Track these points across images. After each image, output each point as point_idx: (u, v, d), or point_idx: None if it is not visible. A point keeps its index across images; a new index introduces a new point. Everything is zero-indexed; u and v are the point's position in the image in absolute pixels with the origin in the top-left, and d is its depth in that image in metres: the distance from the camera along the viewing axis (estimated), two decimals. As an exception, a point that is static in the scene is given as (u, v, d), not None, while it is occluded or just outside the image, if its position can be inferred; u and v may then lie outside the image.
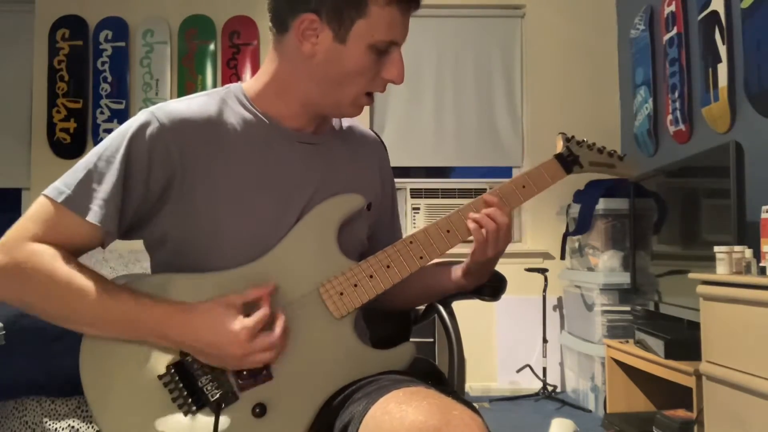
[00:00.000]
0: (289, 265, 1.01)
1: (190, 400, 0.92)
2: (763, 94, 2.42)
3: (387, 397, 0.84)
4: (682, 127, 3.06)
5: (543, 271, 3.54)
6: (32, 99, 3.88)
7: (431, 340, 3.33)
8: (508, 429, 2.92)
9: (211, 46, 3.92)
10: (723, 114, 2.68)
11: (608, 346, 2.89)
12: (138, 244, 1.09)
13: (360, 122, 1.23)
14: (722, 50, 2.66)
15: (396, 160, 1.30)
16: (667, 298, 2.70)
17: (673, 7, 3.14)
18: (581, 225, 3.30)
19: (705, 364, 1.96)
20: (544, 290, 3.53)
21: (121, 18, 3.90)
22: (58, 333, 0.96)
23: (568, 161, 1.18)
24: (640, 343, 2.66)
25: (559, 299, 3.76)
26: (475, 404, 0.90)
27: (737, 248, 1.94)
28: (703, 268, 2.18)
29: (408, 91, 3.91)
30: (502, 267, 1.17)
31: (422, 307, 1.30)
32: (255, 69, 3.89)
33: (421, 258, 1.07)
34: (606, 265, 3.22)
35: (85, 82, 3.88)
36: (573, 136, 1.21)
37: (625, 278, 3.12)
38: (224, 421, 0.92)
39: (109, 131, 4.12)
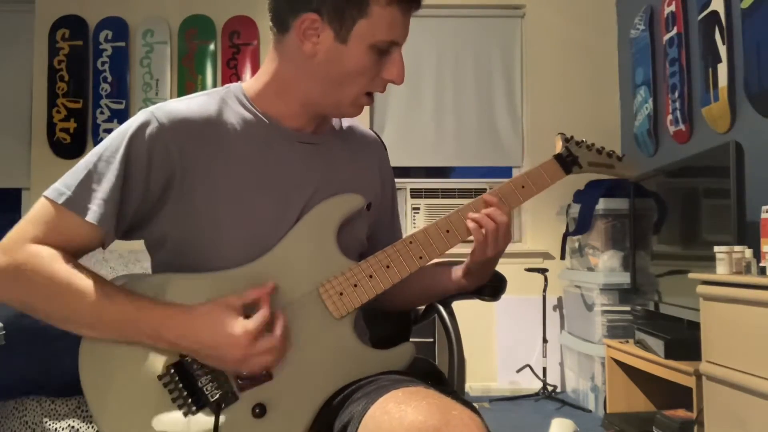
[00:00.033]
0: (289, 265, 1.01)
1: (189, 400, 0.92)
2: (763, 94, 2.42)
3: (386, 397, 0.84)
4: (682, 127, 3.06)
5: (543, 271, 3.54)
6: (32, 99, 3.88)
7: (431, 340, 3.33)
8: (508, 429, 2.92)
9: (211, 46, 3.92)
10: (723, 114, 2.68)
11: (608, 346, 2.89)
12: (138, 244, 1.09)
13: (360, 122, 1.23)
14: (722, 50, 2.66)
15: (396, 160, 1.30)
16: (667, 298, 2.70)
17: (673, 7, 3.14)
18: (581, 225, 3.30)
19: (705, 364, 1.96)
20: (544, 290, 3.53)
21: (121, 18, 3.91)
22: (58, 333, 0.95)
23: (567, 161, 1.18)
24: (640, 343, 2.66)
25: (559, 299, 3.76)
26: (475, 404, 0.90)
27: (737, 248, 1.94)
28: (703, 268, 2.18)
29: (408, 91, 3.91)
30: (502, 267, 1.18)
31: (422, 307, 1.30)
32: (255, 69, 3.89)
33: (421, 258, 1.07)
34: (606, 265, 3.22)
35: (85, 82, 3.88)
36: (572, 137, 1.21)
37: (625, 278, 3.12)
38: (224, 421, 0.91)
39: (109, 131, 4.11)
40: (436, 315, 1.25)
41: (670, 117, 3.18)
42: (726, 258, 1.93)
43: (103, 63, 3.89)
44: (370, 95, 1.05)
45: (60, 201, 0.95)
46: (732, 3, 2.63)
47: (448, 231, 1.09)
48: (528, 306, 3.65)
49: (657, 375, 2.48)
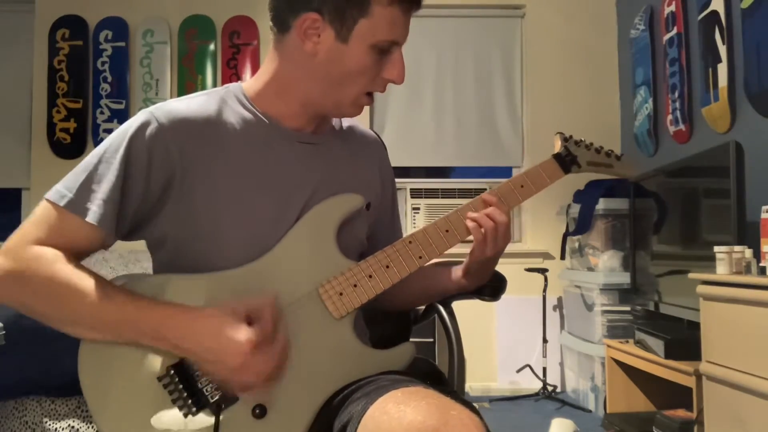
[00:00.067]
0: (289, 265, 1.01)
1: (189, 401, 0.92)
2: (763, 94, 2.42)
3: (385, 397, 0.84)
4: (682, 127, 3.06)
5: (543, 271, 3.54)
6: (32, 99, 3.88)
7: (431, 340, 3.33)
8: (508, 429, 2.92)
9: (211, 46, 3.92)
10: (723, 114, 2.68)
11: (608, 346, 2.89)
12: (138, 244, 1.09)
13: (360, 122, 1.23)
14: (722, 50, 2.66)
15: (396, 160, 1.30)
16: (667, 298, 2.70)
17: (673, 7, 3.14)
18: (581, 225, 3.30)
19: (705, 364, 1.96)
20: (544, 290, 3.53)
21: (121, 18, 3.91)
22: (58, 333, 0.96)
23: (566, 161, 1.18)
24: (640, 343, 2.66)
25: (559, 299, 3.76)
26: (475, 404, 0.90)
27: (737, 248, 1.94)
28: (703, 268, 2.18)
29: (408, 91, 3.91)
30: (502, 267, 1.18)
31: (422, 307, 1.30)
32: (255, 69, 3.89)
33: (420, 258, 1.07)
34: (606, 265, 3.22)
35: (85, 82, 3.88)
36: (571, 136, 1.21)
37: (625, 278, 3.12)
38: (224, 422, 0.91)
39: (109, 131, 4.12)
40: (436, 315, 1.25)
41: (670, 117, 3.18)
42: (726, 258, 1.93)
43: (103, 63, 3.89)
44: (370, 95, 1.06)
45: (61, 203, 0.95)
46: (732, 3, 2.63)
47: (447, 231, 1.09)
48: (528, 306, 3.65)
49: (657, 375, 2.48)
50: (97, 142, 3.83)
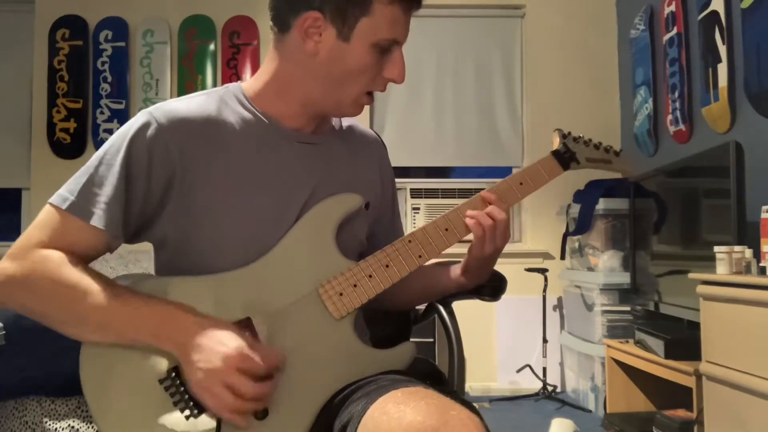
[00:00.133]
0: (288, 265, 1.01)
1: (191, 403, 0.92)
2: (763, 94, 2.42)
3: (385, 397, 0.84)
4: (682, 127, 3.06)
5: (543, 271, 3.54)
6: (32, 99, 3.88)
7: (431, 340, 3.33)
8: (508, 429, 2.92)
9: (211, 46, 3.92)
10: (723, 114, 2.68)
11: (608, 346, 2.89)
12: (138, 245, 1.09)
13: (360, 122, 1.23)
14: (722, 50, 2.66)
15: (396, 160, 1.30)
16: (667, 298, 2.70)
17: (673, 7, 3.14)
18: (581, 225, 3.30)
19: (705, 364, 1.96)
20: (544, 290, 3.53)
21: (121, 18, 3.91)
22: (59, 333, 0.96)
23: (565, 157, 1.18)
24: (640, 343, 2.66)
25: (559, 299, 3.76)
26: (475, 404, 0.89)
27: (737, 248, 1.94)
28: (703, 268, 2.18)
29: (408, 91, 3.91)
30: (501, 267, 1.17)
31: (422, 307, 1.30)
32: (255, 69, 3.89)
33: (420, 257, 1.07)
34: (606, 265, 3.22)
35: (85, 82, 3.88)
36: (569, 132, 1.21)
37: (625, 278, 3.12)
38: (226, 423, 0.91)
39: (109, 131, 4.11)
40: (436, 315, 1.25)
41: (670, 117, 3.18)
42: (726, 258, 1.93)
43: (103, 63, 3.89)
44: (370, 94, 1.06)
45: (64, 207, 0.96)
46: (732, 3, 2.63)
47: (446, 229, 1.09)
48: (528, 306, 3.65)
49: (657, 375, 2.47)
50: (97, 142, 3.84)
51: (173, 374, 0.93)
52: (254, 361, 0.88)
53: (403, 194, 3.94)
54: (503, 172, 4.03)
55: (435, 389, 0.87)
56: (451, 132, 3.96)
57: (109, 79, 3.88)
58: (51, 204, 0.97)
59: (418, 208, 3.95)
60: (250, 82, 1.09)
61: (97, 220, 0.95)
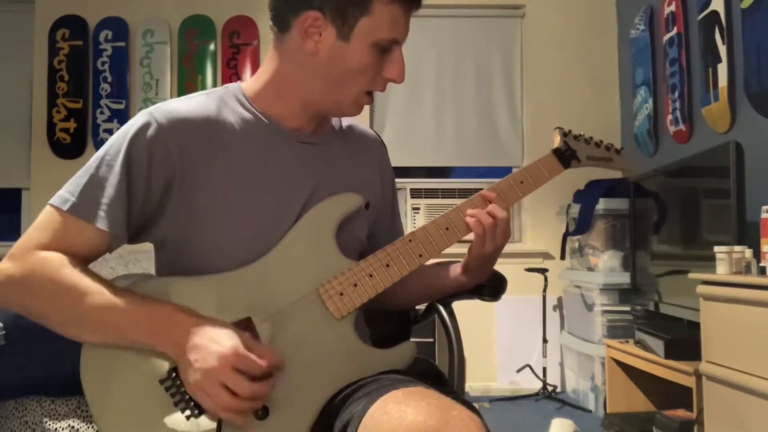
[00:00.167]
0: (289, 265, 1.01)
1: (192, 403, 0.92)
2: (763, 94, 2.42)
3: (386, 397, 0.84)
4: (682, 127, 3.06)
5: (543, 271, 3.54)
6: (32, 99, 3.88)
7: (431, 340, 3.33)
8: (508, 429, 2.92)
9: (211, 46, 3.92)
10: (723, 114, 2.68)
11: (608, 346, 2.89)
12: (138, 245, 1.09)
13: (360, 122, 1.23)
14: (722, 50, 2.66)
15: (396, 160, 1.30)
16: (667, 298, 2.70)
17: (673, 7, 3.13)
18: (581, 225, 3.30)
19: (705, 364, 1.96)
20: (544, 290, 3.53)
21: (121, 18, 3.90)
22: (60, 333, 0.96)
23: (565, 156, 1.18)
24: (640, 343, 2.66)
25: (559, 299, 3.76)
26: (475, 404, 0.89)
27: (737, 248, 1.94)
28: (703, 268, 2.18)
29: (408, 91, 3.91)
30: (502, 267, 1.17)
31: (422, 307, 1.30)
32: (255, 69, 3.89)
33: (421, 256, 1.07)
34: (606, 265, 3.22)
35: (85, 82, 3.88)
36: (570, 131, 1.21)
37: (625, 278, 3.12)
38: (226, 423, 0.91)
39: (109, 131, 4.10)
40: (436, 315, 1.25)
41: (670, 117, 3.18)
42: (726, 258, 1.93)
43: (103, 63, 3.89)
44: (370, 94, 1.06)
45: (65, 208, 0.96)
46: (732, 3, 2.63)
47: (447, 228, 1.08)
48: (528, 306, 3.65)
49: (657, 375, 2.47)
50: (97, 142, 3.84)
51: (173, 374, 0.93)
52: (250, 360, 0.88)
53: (403, 194, 3.94)
54: (503, 172, 4.03)
55: (436, 389, 0.87)
56: (451, 132, 3.96)
57: (109, 79, 3.88)
58: (51, 205, 0.98)
59: (418, 208, 3.95)
60: (250, 82, 1.09)
61: (100, 221, 0.96)
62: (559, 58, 3.93)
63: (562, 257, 3.52)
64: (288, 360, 0.95)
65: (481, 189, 1.12)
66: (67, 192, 0.97)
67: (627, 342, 2.81)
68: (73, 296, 0.92)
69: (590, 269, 3.32)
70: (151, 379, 0.93)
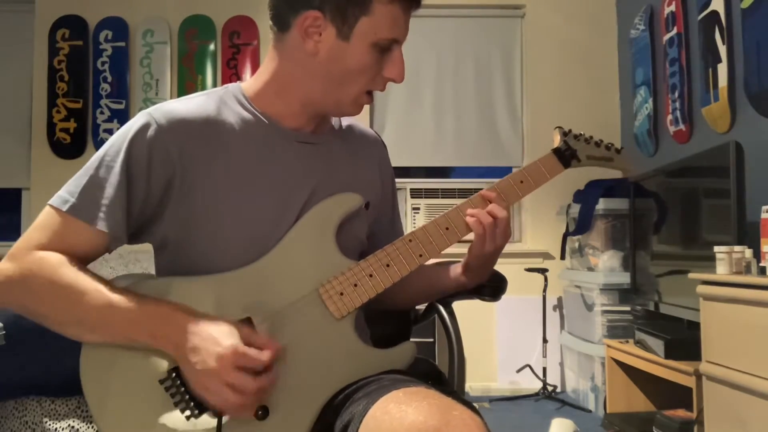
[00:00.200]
0: (289, 265, 1.01)
1: (192, 403, 0.92)
2: (763, 94, 2.42)
3: (387, 397, 0.84)
4: (682, 127, 3.06)
5: (543, 271, 3.54)
6: (32, 99, 3.88)
7: (431, 340, 3.33)
8: (508, 429, 2.92)
9: (211, 46, 3.92)
10: (723, 114, 2.68)
11: (608, 346, 2.89)
12: (138, 245, 1.09)
13: (360, 121, 1.23)
14: (722, 50, 2.66)
15: (396, 160, 1.30)
16: (667, 298, 2.70)
17: (673, 7, 3.14)
18: (581, 225, 3.30)
19: (705, 364, 1.96)
20: (544, 290, 3.53)
21: (121, 18, 3.90)
22: (59, 333, 0.96)
23: (565, 155, 1.18)
24: (640, 343, 2.66)
25: (559, 299, 3.76)
26: (475, 404, 0.89)
27: (737, 248, 1.94)
28: (703, 268, 2.18)
29: (408, 91, 3.91)
30: (502, 267, 1.17)
31: (422, 307, 1.30)
32: (255, 69, 3.89)
33: (421, 256, 1.06)
34: (606, 265, 3.22)
35: (85, 82, 3.88)
36: (570, 130, 1.21)
37: (625, 278, 3.12)
38: (227, 423, 0.91)
39: (109, 131, 4.10)
40: (436, 315, 1.25)
41: (670, 117, 3.18)
42: (726, 258, 1.93)
43: (103, 63, 3.88)
44: (370, 94, 1.06)
45: (64, 208, 0.96)
46: (732, 3, 2.63)
47: (447, 228, 1.08)
48: (528, 306, 3.65)
49: (657, 375, 2.47)
50: (97, 142, 3.84)
51: (173, 374, 0.93)
52: (251, 357, 0.88)
53: (403, 194, 3.94)
54: (503, 172, 4.03)
55: (437, 389, 0.87)
56: (450, 132, 3.96)
57: (109, 79, 3.88)
58: (51, 206, 0.98)
59: (418, 208, 3.95)
60: (250, 82, 1.09)
61: (99, 222, 0.96)
62: (559, 58, 3.93)
63: (562, 257, 3.52)
64: (288, 360, 0.95)
65: (481, 189, 1.12)
66: (67, 192, 0.98)
67: (627, 342, 2.81)
68: (72, 296, 0.92)
69: (590, 269, 3.32)
70: (151, 379, 0.93)
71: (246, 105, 1.06)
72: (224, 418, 0.91)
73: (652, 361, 2.49)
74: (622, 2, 3.89)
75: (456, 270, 1.16)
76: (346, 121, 1.19)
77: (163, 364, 0.93)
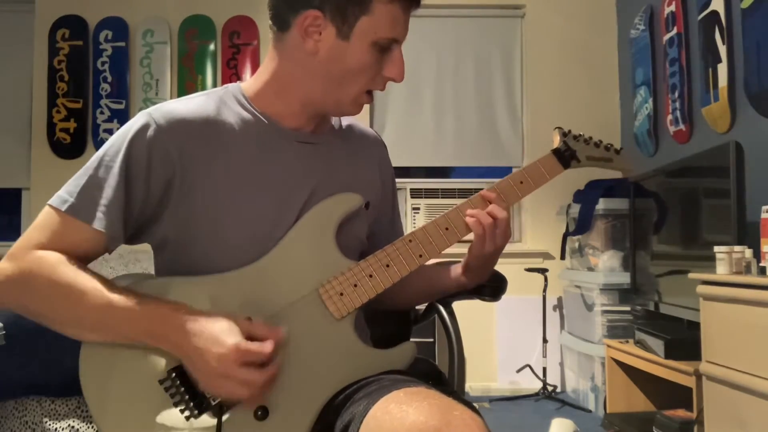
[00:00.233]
0: (288, 266, 1.01)
1: (192, 404, 0.92)
2: (763, 94, 2.42)
3: (387, 397, 0.84)
4: (682, 127, 3.06)
5: (543, 271, 3.54)
6: (32, 99, 3.88)
7: (431, 340, 3.33)
8: (508, 429, 2.92)
9: (211, 46, 3.92)
10: (723, 114, 2.68)
11: (608, 346, 2.89)
12: (138, 245, 1.09)
13: (360, 121, 1.23)
14: (722, 50, 2.66)
15: (396, 160, 1.30)
16: (667, 298, 2.70)
17: (673, 7, 3.13)
18: (581, 225, 3.30)
19: (705, 364, 1.96)
20: (544, 290, 3.53)
21: (121, 18, 3.90)
22: (59, 333, 0.96)
23: (565, 156, 1.18)
24: (640, 343, 2.66)
25: (559, 299, 3.76)
26: (475, 404, 0.89)
27: (737, 248, 1.94)
28: (703, 268, 2.18)
29: (408, 91, 3.91)
30: (502, 267, 1.17)
31: (422, 307, 1.30)
32: (255, 69, 3.89)
33: (421, 256, 1.06)
34: (606, 265, 3.22)
35: (85, 82, 3.88)
36: (570, 131, 1.21)
37: (625, 278, 3.12)
38: (226, 424, 0.91)
39: (109, 131, 4.10)
40: (436, 315, 1.25)
41: (670, 117, 3.18)
42: (726, 258, 1.93)
43: (103, 63, 3.88)
44: (370, 93, 1.06)
45: (63, 208, 0.96)
46: (732, 3, 2.63)
47: (447, 229, 1.08)
48: (528, 306, 3.65)
49: (657, 375, 2.47)
50: (97, 142, 3.84)
51: (173, 374, 0.93)
52: (254, 352, 0.88)
53: (403, 194, 3.94)
54: (503, 172, 4.03)
55: (437, 389, 0.87)
56: (451, 132, 3.96)
57: (109, 79, 3.88)
58: (50, 206, 0.98)
59: (418, 208, 3.95)
60: (250, 82, 1.09)
61: (97, 222, 0.96)
62: (559, 58, 3.93)
63: (562, 257, 3.52)
64: (288, 360, 0.95)
65: (481, 189, 1.12)
66: (66, 192, 0.98)
67: (627, 342, 2.81)
68: (72, 295, 0.92)
69: (590, 269, 3.32)
70: (151, 379, 0.93)
71: (246, 105, 1.06)
72: (224, 417, 0.91)
73: (652, 361, 2.49)
74: (622, 2, 3.89)
75: (456, 270, 1.16)
76: (346, 121, 1.19)
77: (163, 364, 0.93)
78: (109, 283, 0.95)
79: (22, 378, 1.41)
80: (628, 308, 3.11)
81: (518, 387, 3.59)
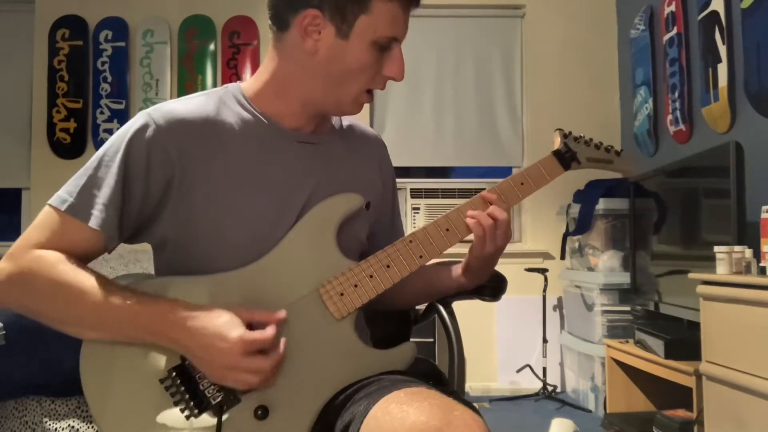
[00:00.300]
0: (289, 266, 1.01)
1: (192, 403, 0.92)
2: (763, 94, 2.42)
3: (388, 397, 0.84)
4: (682, 127, 3.06)
5: (543, 271, 3.54)
6: (32, 99, 3.88)
7: (431, 340, 3.33)
8: (508, 429, 2.92)
9: (211, 46, 3.92)
10: (723, 114, 2.68)
11: (608, 346, 2.89)
12: (138, 244, 1.10)
13: (360, 121, 1.23)
14: (722, 50, 2.66)
15: (396, 160, 1.30)
16: (667, 298, 2.70)
17: (673, 7, 3.14)
18: (581, 225, 3.30)
19: (705, 364, 1.96)
20: (544, 290, 3.53)
21: (121, 18, 3.90)
22: (59, 333, 0.96)
23: (565, 157, 1.18)
24: (640, 343, 2.66)
25: (559, 299, 3.76)
26: (475, 404, 0.90)
27: (737, 248, 1.94)
28: (703, 268, 2.18)
29: (408, 90, 3.91)
30: (502, 267, 1.17)
31: (422, 307, 1.30)
32: (255, 69, 3.89)
33: (421, 257, 1.06)
34: (606, 265, 3.22)
35: (85, 82, 3.88)
36: (570, 132, 1.21)
37: (625, 278, 3.12)
38: (226, 423, 0.91)
39: (109, 131, 4.10)
40: (436, 315, 1.25)
41: (670, 117, 3.18)
42: (726, 258, 1.93)
43: (103, 63, 3.88)
44: (370, 93, 1.06)
45: (63, 208, 0.96)
46: (732, 3, 2.63)
47: (447, 229, 1.08)
48: (528, 306, 3.65)
49: (657, 375, 2.47)
50: (97, 142, 3.84)
51: (173, 374, 0.93)
52: (259, 341, 0.90)
53: (403, 194, 3.94)
54: (503, 172, 4.03)
55: (437, 389, 0.87)
56: (451, 132, 3.96)
57: (109, 79, 3.88)
58: (50, 205, 0.98)
59: (418, 208, 3.95)
60: (250, 82, 1.09)
61: (95, 221, 0.96)
62: (559, 58, 3.93)
63: (562, 257, 3.52)
64: (288, 360, 0.95)
65: (482, 189, 1.12)
66: (66, 192, 0.98)
67: (627, 342, 2.81)
68: (71, 294, 0.92)
69: (590, 269, 3.32)
70: (151, 378, 0.93)
71: (246, 105, 1.06)
72: (224, 416, 0.91)
73: (652, 361, 2.49)
74: (622, 2, 3.89)
75: (456, 271, 1.16)
76: (346, 121, 1.19)
77: (163, 364, 0.94)
78: (109, 282, 0.95)
79: (22, 378, 1.41)
80: (628, 308, 3.11)
81: (518, 387, 3.59)
